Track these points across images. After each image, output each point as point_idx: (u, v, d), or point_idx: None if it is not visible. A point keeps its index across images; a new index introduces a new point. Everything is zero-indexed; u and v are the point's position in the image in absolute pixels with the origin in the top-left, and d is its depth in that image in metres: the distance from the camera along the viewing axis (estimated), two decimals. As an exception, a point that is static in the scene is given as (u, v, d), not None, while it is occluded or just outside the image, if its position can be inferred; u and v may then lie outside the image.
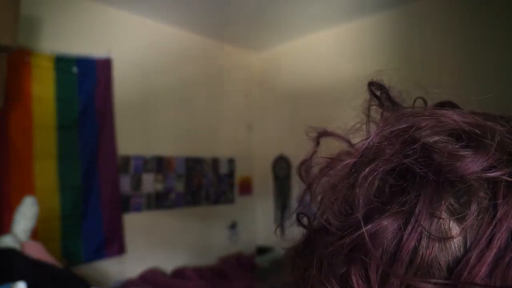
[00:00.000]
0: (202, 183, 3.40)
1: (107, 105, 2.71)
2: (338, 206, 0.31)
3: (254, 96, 3.90)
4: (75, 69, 2.56)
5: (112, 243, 2.68)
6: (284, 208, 3.63)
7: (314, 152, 0.38)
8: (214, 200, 3.50)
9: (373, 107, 0.38)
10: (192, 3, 2.82)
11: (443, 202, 0.26)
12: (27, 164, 2.33)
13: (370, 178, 0.29)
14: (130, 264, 2.77)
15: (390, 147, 0.30)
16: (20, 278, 1.44)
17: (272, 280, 2.87)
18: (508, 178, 0.26)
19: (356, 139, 0.37)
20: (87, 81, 2.61)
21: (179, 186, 3.21)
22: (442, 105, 0.35)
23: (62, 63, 2.50)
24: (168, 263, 3.01)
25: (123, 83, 2.80)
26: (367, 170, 0.29)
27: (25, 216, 1.82)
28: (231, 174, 3.68)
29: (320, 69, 3.35)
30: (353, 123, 0.38)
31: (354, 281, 0.28)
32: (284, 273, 0.37)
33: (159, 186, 3.07)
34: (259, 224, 3.86)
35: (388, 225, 0.27)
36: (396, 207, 0.27)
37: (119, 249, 2.72)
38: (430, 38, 2.71)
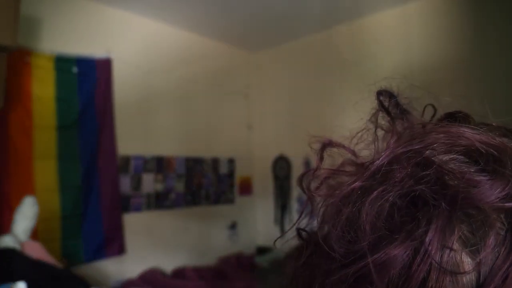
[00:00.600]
0: (202, 183, 3.40)
1: (107, 105, 2.71)
2: (341, 230, 0.29)
3: (254, 96, 3.90)
4: (75, 69, 2.56)
5: (112, 243, 2.68)
6: (284, 208, 3.63)
7: (319, 166, 0.35)
8: (214, 200, 3.50)
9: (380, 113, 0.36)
10: (192, 3, 2.82)
11: (456, 232, 0.24)
12: (27, 164, 2.33)
13: (378, 203, 0.27)
14: (130, 264, 2.77)
15: (401, 170, 0.28)
16: (20, 278, 1.44)
17: (272, 280, 2.87)
18: None
19: (360, 146, 0.35)
20: (87, 81, 2.61)
21: (179, 186, 3.21)
22: (454, 116, 0.33)
23: (62, 63, 2.50)
24: (168, 263, 3.01)
25: (123, 83, 2.80)
26: (375, 193, 0.27)
27: (25, 216, 1.82)
28: (231, 174, 3.68)
29: (320, 69, 3.35)
30: (355, 124, 0.36)
31: None
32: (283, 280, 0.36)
33: (159, 186, 3.07)
34: (259, 224, 3.86)
35: (396, 255, 0.25)
36: (405, 235, 0.25)
37: (119, 249, 2.72)
38: (429, 41, 2.72)
